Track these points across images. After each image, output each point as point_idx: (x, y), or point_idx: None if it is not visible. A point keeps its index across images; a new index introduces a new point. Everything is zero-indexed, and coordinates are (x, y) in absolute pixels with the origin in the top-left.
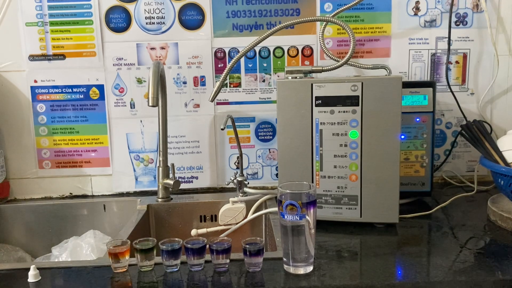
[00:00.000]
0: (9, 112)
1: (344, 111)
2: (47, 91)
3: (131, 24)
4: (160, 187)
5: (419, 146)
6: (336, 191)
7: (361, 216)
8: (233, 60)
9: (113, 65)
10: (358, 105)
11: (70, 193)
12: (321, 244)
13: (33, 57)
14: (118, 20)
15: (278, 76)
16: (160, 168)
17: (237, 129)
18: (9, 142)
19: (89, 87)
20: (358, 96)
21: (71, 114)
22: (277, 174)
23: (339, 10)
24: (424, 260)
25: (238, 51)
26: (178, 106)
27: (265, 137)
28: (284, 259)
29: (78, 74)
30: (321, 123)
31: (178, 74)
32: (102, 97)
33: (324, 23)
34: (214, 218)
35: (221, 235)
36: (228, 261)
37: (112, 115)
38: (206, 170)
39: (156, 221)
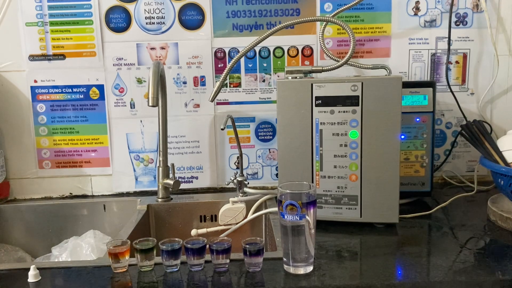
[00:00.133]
0: (9, 112)
1: (344, 111)
2: (47, 91)
3: (131, 24)
4: (160, 187)
5: (419, 146)
6: (336, 191)
7: (361, 216)
8: (233, 60)
9: (113, 65)
10: (358, 105)
11: (70, 193)
12: (321, 244)
13: (33, 57)
14: (118, 20)
15: (278, 76)
16: (160, 168)
17: (237, 129)
18: (9, 142)
19: (89, 87)
20: (358, 96)
21: (71, 114)
22: (277, 174)
23: (339, 10)
24: (424, 260)
25: (238, 51)
26: (178, 106)
27: (265, 137)
28: (284, 259)
29: (78, 74)
30: (321, 123)
31: (178, 74)
32: (102, 97)
33: (324, 23)
34: (214, 218)
35: (221, 235)
36: (228, 261)
37: (112, 115)
38: (206, 170)
39: (156, 221)
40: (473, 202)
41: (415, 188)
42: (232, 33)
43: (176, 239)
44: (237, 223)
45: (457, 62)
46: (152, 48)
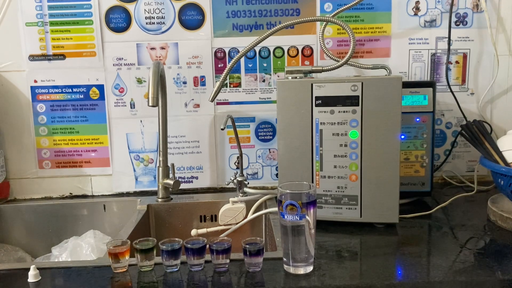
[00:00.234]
0: (9, 112)
1: (344, 111)
2: (47, 91)
3: (131, 24)
4: (160, 187)
5: (419, 146)
6: (336, 191)
7: (361, 216)
8: (233, 60)
9: (113, 65)
10: (358, 105)
11: (70, 193)
12: (321, 244)
13: (33, 57)
14: (118, 20)
15: (278, 76)
16: (160, 168)
17: (237, 129)
18: (9, 142)
19: (89, 87)
20: (358, 96)
21: (71, 114)
22: (277, 174)
23: (339, 10)
24: (424, 260)
25: (238, 51)
26: (178, 106)
27: (265, 137)
28: (284, 259)
29: (78, 74)
30: (321, 123)
31: (178, 74)
32: (102, 97)
33: (324, 23)
34: (214, 218)
35: (221, 235)
36: (228, 261)
37: (112, 115)
38: (206, 170)
39: (156, 221)
40: (473, 202)
41: (415, 188)
42: (232, 33)
43: (176, 239)
44: (237, 223)
45: (457, 62)
46: (152, 48)
